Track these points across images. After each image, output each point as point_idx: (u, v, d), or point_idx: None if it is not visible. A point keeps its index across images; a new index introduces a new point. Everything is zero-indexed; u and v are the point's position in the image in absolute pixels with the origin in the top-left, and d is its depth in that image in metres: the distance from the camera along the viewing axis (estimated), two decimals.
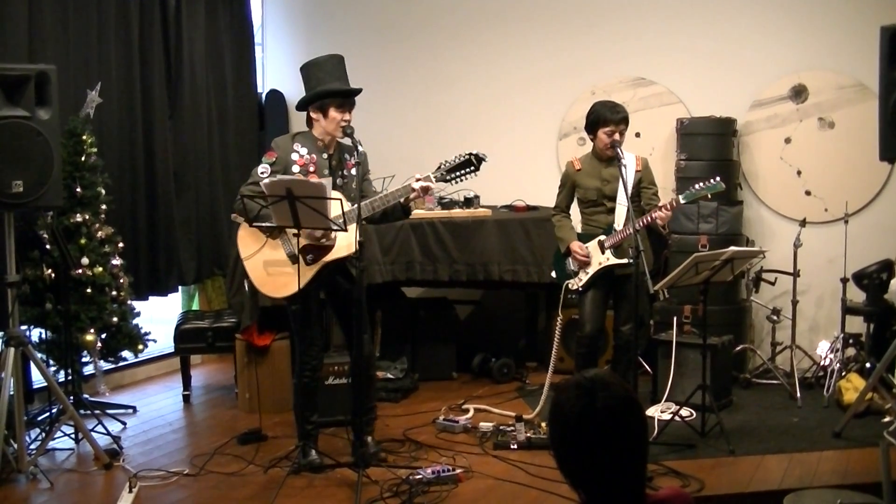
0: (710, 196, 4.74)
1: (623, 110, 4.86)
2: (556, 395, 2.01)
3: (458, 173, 4.46)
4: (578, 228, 5.11)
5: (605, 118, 4.81)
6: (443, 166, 4.46)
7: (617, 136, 4.79)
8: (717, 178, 4.70)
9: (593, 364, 5.02)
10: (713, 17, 6.33)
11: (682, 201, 4.71)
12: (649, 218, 4.69)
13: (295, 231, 4.20)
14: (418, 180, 4.37)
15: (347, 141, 4.41)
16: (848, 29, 5.98)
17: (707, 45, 6.34)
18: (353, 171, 4.46)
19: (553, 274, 5.20)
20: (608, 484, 1.91)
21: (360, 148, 4.41)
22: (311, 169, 4.41)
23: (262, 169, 4.38)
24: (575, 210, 5.12)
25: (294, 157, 4.42)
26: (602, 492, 1.92)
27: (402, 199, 4.41)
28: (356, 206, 4.20)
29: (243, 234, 4.45)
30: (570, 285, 4.98)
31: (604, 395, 1.90)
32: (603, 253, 4.89)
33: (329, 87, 4.39)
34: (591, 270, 4.91)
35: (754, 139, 6.28)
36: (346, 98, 4.39)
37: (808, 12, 6.11)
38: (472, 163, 4.46)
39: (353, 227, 4.19)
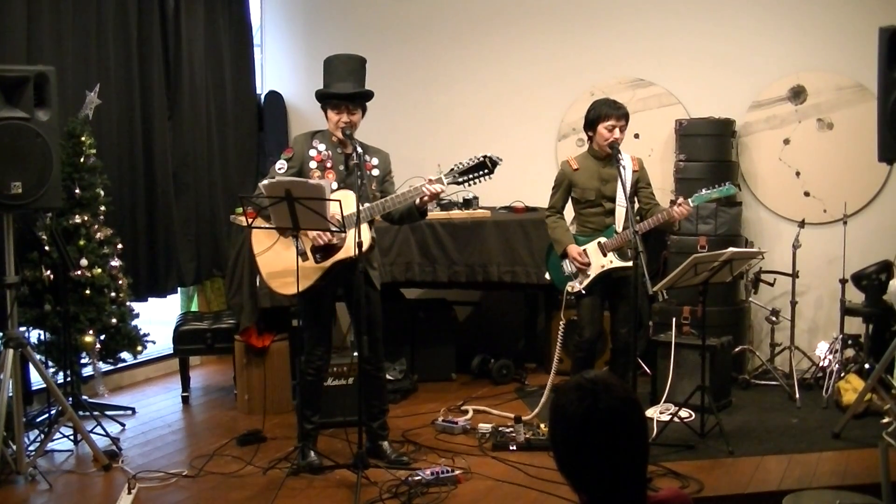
0: (721, 199, 4.72)
1: (623, 107, 4.86)
2: (556, 396, 2.01)
3: (471, 176, 4.39)
4: (572, 229, 5.08)
5: (606, 113, 4.81)
6: (455, 169, 4.39)
7: (617, 133, 4.79)
8: (729, 183, 4.68)
9: (590, 367, 5.01)
10: (712, 18, 6.34)
11: (691, 204, 4.70)
12: (663, 216, 4.69)
13: (301, 231, 4.20)
14: (432, 182, 4.31)
15: (368, 142, 4.42)
16: (847, 30, 5.98)
17: (706, 46, 6.35)
18: (374, 173, 4.46)
19: (548, 276, 5.18)
20: (609, 485, 1.91)
21: (358, 149, 4.40)
22: (328, 165, 4.44)
23: (280, 165, 4.44)
24: (567, 210, 5.10)
25: (312, 153, 4.45)
26: (603, 493, 1.92)
27: (416, 202, 4.36)
28: (364, 206, 4.20)
29: (257, 229, 4.46)
30: (569, 288, 4.95)
31: (606, 397, 1.91)
32: (605, 256, 4.88)
33: (326, 89, 4.42)
34: (593, 273, 4.89)
35: (753, 140, 6.28)
36: (339, 101, 4.38)
37: (807, 13, 6.11)
38: (486, 165, 4.38)
39: (364, 227, 4.18)
